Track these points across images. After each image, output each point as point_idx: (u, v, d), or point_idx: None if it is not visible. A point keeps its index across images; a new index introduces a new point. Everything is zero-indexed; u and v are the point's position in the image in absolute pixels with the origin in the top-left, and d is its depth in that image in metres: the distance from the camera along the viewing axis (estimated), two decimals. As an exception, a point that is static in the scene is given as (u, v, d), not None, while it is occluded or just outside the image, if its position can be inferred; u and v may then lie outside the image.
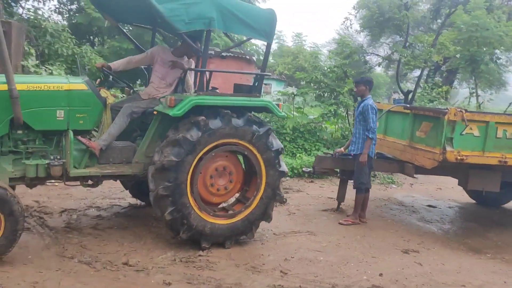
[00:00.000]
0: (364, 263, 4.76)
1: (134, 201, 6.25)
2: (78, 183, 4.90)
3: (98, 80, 5.44)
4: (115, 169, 4.85)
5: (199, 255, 4.56)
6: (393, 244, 5.43)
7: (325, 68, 11.22)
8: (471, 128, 5.76)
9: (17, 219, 3.99)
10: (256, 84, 5.40)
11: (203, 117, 4.58)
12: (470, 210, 7.71)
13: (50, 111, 4.54)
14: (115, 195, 6.66)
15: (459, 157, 5.69)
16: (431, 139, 5.91)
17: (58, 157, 4.59)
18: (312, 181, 8.95)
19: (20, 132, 4.49)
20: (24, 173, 4.46)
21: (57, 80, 4.77)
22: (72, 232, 4.94)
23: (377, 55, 14.89)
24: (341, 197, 6.69)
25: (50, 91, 4.55)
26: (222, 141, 4.73)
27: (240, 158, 5.15)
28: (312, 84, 11.27)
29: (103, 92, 4.95)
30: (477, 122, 5.79)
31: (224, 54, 10.87)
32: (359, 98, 6.38)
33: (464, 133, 5.74)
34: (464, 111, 5.69)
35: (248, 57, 11.23)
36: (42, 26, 11.02)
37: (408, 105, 7.04)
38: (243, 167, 5.20)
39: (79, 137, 4.68)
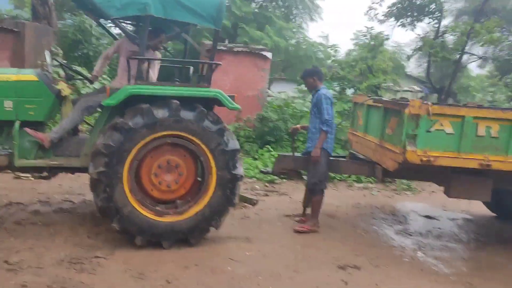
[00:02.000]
0: (274, 278, 4.12)
1: (89, 198, 6.12)
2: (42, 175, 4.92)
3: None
4: (63, 161, 4.75)
5: (96, 257, 4.24)
6: (335, 258, 4.68)
7: (352, 63, 10.35)
8: (441, 124, 4.81)
9: None
10: (204, 74, 5.05)
11: (147, 105, 4.33)
12: (478, 225, 6.54)
13: None
14: (80, 191, 6.58)
15: (424, 158, 4.77)
16: (395, 137, 5.04)
17: (7, 147, 4.59)
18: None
19: None
20: None
21: (5, 71, 4.81)
22: (-8, 225, 4.89)
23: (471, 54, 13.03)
24: (307, 202, 5.98)
25: None
26: (166, 132, 4.43)
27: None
28: (331, 81, 10.47)
29: (61, 84, 4.85)
30: (450, 117, 4.81)
31: (237, 49, 10.51)
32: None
33: (432, 130, 4.80)
34: (429, 104, 4.76)
35: (264, 53, 10.70)
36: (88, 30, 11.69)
37: (375, 97, 6.12)
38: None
39: (26, 128, 4.62)
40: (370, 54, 10.15)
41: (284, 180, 8.23)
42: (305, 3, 23.42)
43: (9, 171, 4.82)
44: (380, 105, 5.53)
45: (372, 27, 10.41)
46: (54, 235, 4.72)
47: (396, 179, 8.13)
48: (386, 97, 9.66)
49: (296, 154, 6.01)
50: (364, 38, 10.54)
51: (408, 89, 24.65)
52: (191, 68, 5.41)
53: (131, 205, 4.43)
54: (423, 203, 7.51)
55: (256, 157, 9.37)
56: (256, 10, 22.29)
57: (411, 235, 5.69)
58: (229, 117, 10.52)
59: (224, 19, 21.25)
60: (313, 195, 5.50)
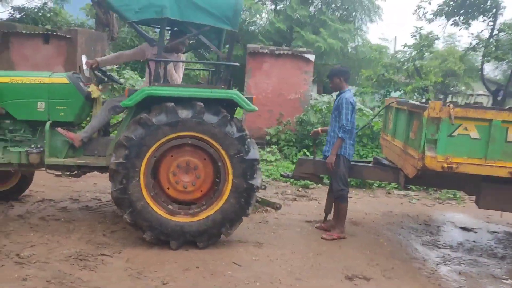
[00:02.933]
0: (272, 284, 3.98)
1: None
2: (72, 173, 5.09)
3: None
4: (91, 160, 4.95)
5: (102, 254, 4.36)
6: (346, 268, 4.45)
7: (398, 64, 9.89)
8: (466, 129, 4.44)
9: None
10: (221, 75, 5.06)
11: (172, 104, 4.42)
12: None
13: (31, 103, 4.87)
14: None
15: (446, 165, 4.42)
16: (416, 142, 4.71)
17: (39, 145, 4.88)
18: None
19: (8, 121, 4.92)
20: (10, 159, 4.86)
21: (40, 74, 5.08)
22: (18, 220, 5.17)
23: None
24: (328, 207, 5.76)
25: (32, 83, 4.89)
26: (187, 133, 4.48)
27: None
28: (376, 83, 10.06)
29: (91, 87, 5.08)
30: (475, 121, 4.42)
31: (279, 52, 10.41)
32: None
33: (455, 134, 4.44)
34: (451, 106, 4.40)
35: (306, 56, 10.52)
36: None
37: (401, 99, 5.74)
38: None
39: (58, 128, 4.89)
40: (418, 55, 9.62)
41: (320, 185, 8.01)
42: (364, 4, 22.85)
43: (42, 168, 5.07)
44: (405, 108, 5.21)
45: (421, 27, 9.88)
46: (72, 232, 4.91)
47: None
48: (460, 101, 9.17)
49: (317, 158, 5.80)
50: (413, 38, 10.02)
51: (482, 93, 23.16)
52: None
53: (144, 200, 4.50)
54: (465, 213, 6.97)
55: (295, 160, 9.21)
56: (312, 13, 22.12)
57: (438, 247, 5.29)
58: (270, 120, 10.51)
59: (280, 22, 21.21)
60: (340, 202, 5.29)
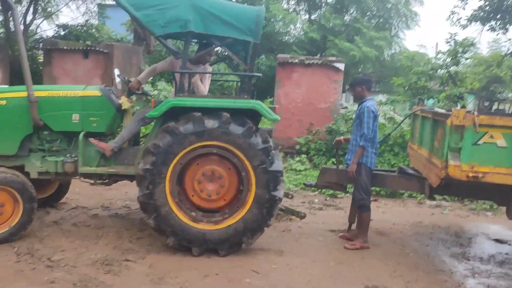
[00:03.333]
0: (290, 293, 4.00)
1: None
2: (104, 181, 5.36)
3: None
4: (122, 169, 5.17)
5: (126, 260, 4.51)
6: (367, 278, 4.39)
7: (430, 71, 9.69)
8: (492, 136, 4.31)
9: (32, 207, 4.81)
10: (244, 86, 5.18)
11: (199, 114, 4.58)
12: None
13: (66, 115, 5.14)
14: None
15: (471, 174, 4.31)
16: (440, 150, 4.62)
17: (74, 155, 5.15)
18: (375, 200, 7.86)
19: (45, 132, 5.20)
20: (48, 168, 5.15)
21: (74, 88, 5.37)
22: (52, 226, 5.42)
23: None
24: (352, 217, 5.70)
25: (67, 97, 5.17)
26: (213, 142, 4.61)
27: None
28: (409, 91, 9.89)
29: (122, 99, 5.32)
30: (502, 128, 4.29)
31: (308, 61, 10.42)
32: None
33: (480, 142, 4.33)
34: (475, 113, 4.30)
35: (336, 65, 10.48)
36: None
37: (425, 107, 5.61)
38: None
39: (91, 139, 5.14)
40: (452, 62, 9.40)
41: (348, 194, 7.92)
42: (400, 11, 22.51)
43: (77, 177, 5.32)
44: (429, 116, 5.12)
45: (456, 33, 9.65)
46: (100, 237, 5.11)
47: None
48: (508, 109, 8.90)
49: (341, 167, 5.76)
50: (447, 44, 9.80)
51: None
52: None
53: (169, 206, 4.64)
54: (501, 225, 6.70)
55: (324, 170, 9.15)
56: (347, 22, 21.99)
57: (468, 260, 5.12)
58: (300, 130, 10.51)
59: (313, 32, 21.22)
60: (361, 211, 5.24)
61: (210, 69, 5.96)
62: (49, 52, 10.80)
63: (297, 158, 9.61)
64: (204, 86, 5.45)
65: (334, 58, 10.87)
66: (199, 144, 4.61)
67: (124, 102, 5.27)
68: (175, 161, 4.62)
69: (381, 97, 10.34)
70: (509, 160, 4.28)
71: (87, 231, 5.32)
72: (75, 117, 5.13)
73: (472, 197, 5.89)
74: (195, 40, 5.96)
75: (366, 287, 4.20)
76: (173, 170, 4.65)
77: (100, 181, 5.37)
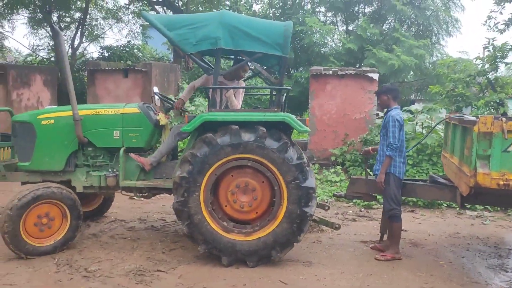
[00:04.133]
0: (315, 304, 4.01)
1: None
2: (144, 194, 5.57)
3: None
4: (159, 183, 5.39)
5: (158, 270, 4.67)
6: (396, 289, 4.34)
7: (467, 78, 9.43)
8: (522, 143, 4.18)
9: (78, 224, 5.14)
10: (274, 99, 5.31)
11: (236, 127, 4.74)
12: None
13: (108, 131, 5.45)
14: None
15: (502, 182, 4.19)
16: (469, 158, 4.51)
17: (115, 170, 5.43)
18: (412, 211, 7.71)
19: (90, 149, 5.54)
20: (92, 183, 5.48)
21: (115, 106, 5.67)
22: (91, 238, 5.69)
23: None
24: (384, 227, 5.63)
25: (109, 114, 5.49)
26: (248, 155, 4.74)
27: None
28: (447, 99, 9.66)
29: (160, 115, 5.58)
30: (532, 134, 4.16)
31: (341, 72, 10.39)
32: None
33: (511, 149, 4.21)
34: (504, 120, 4.19)
35: (370, 75, 10.40)
36: None
37: (455, 115, 5.46)
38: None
39: (131, 154, 5.42)
40: (491, 67, 9.11)
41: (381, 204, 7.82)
42: (440, 18, 22.04)
43: (118, 191, 5.61)
44: (458, 123, 5.02)
45: (494, 38, 9.35)
46: (135, 249, 5.31)
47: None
48: None
49: (370, 177, 5.72)
50: (486, 50, 9.51)
51: None
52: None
53: (202, 214, 4.79)
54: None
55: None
56: (385, 31, 21.75)
57: (506, 271, 4.93)
58: (336, 141, 10.48)
59: (350, 43, 21.10)
60: (392, 221, 5.19)
61: (243, 84, 6.11)
62: (93, 73, 11.37)
63: (332, 170, 9.57)
64: (238, 101, 5.62)
65: (368, 68, 10.80)
66: (234, 156, 4.74)
67: (162, 118, 5.50)
68: (210, 171, 4.77)
69: (417, 106, 10.07)
70: (541, 166, 4.12)
71: (123, 242, 5.55)
72: (116, 133, 5.40)
73: (505, 206, 5.66)
74: (232, 57, 6.17)
75: (394, 298, 4.15)
76: (208, 179, 4.80)
77: (140, 195, 5.59)
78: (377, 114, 11.07)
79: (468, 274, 4.82)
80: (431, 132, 7.34)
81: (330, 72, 10.52)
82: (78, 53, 18.51)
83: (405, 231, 6.39)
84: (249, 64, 5.49)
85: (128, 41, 17.73)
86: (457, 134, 5.24)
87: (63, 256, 4.94)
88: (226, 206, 4.96)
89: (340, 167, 9.66)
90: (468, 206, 7.66)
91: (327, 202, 7.75)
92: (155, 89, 6.19)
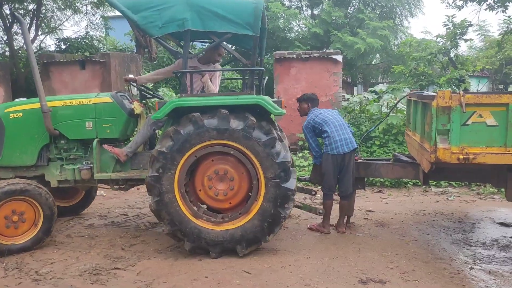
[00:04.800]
0: (279, 292, 3.87)
1: (144, 212, 6.49)
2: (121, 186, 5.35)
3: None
4: (136, 174, 5.15)
5: (115, 268, 4.43)
6: (362, 271, 4.24)
7: (428, 56, 9.42)
8: (480, 116, 4.13)
9: (52, 218, 4.93)
10: (247, 81, 5.09)
11: (226, 111, 4.50)
12: None
13: (80, 123, 5.19)
14: (141, 205, 7.00)
15: (461, 156, 4.13)
16: (429, 133, 4.44)
17: (90, 162, 5.17)
18: (380, 191, 7.69)
19: (63, 141, 5.26)
20: (66, 177, 5.22)
21: (86, 96, 5.40)
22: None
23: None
24: (350, 209, 5.56)
25: (80, 105, 5.21)
26: (215, 141, 4.53)
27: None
28: (410, 78, 9.66)
29: (134, 104, 5.27)
30: (490, 107, 4.10)
31: (305, 56, 10.26)
32: None
33: (469, 123, 4.15)
34: (461, 93, 4.12)
35: (334, 57, 10.30)
36: None
37: (413, 92, 5.42)
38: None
39: (104, 145, 5.15)
40: (451, 45, 9.13)
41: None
42: (403, -1, 22.19)
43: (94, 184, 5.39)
44: (418, 99, 4.95)
45: (453, 15, 9.36)
46: (92, 247, 5.05)
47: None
48: None
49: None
50: (445, 28, 9.52)
51: None
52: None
53: (173, 194, 4.55)
54: (509, 208, 6.47)
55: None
56: (350, 14, 21.76)
57: (470, 246, 4.93)
58: (302, 125, 10.34)
59: (316, 27, 21.01)
60: (323, 199, 5.41)
61: (219, 68, 5.82)
62: (47, 65, 10.87)
63: (300, 154, 9.47)
64: (214, 85, 5.37)
65: (331, 50, 10.70)
66: (219, 141, 4.53)
67: (136, 107, 5.24)
68: (191, 151, 4.55)
69: (382, 86, 10.05)
70: (500, 138, 4.08)
71: (80, 241, 5.28)
72: (89, 124, 5.18)
73: (467, 181, 5.69)
74: (207, 41, 5.91)
75: (360, 280, 4.06)
76: (187, 160, 4.58)
77: (117, 187, 5.36)
78: (343, 96, 11.02)
79: (433, 251, 4.79)
80: (392, 111, 7.29)
81: (294, 55, 10.37)
82: (33, 47, 17.73)
83: (372, 211, 6.37)
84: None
85: (87, 32, 17.07)
86: (418, 111, 5.18)
87: (12, 260, 4.65)
88: (200, 190, 4.77)
89: (308, 151, 9.55)
90: (433, 183, 7.71)
91: (314, 188, 7.62)
92: (131, 77, 5.95)
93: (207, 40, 5.95)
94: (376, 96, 9.71)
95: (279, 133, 4.83)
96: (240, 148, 4.54)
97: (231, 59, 6.75)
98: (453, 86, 8.93)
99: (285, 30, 21.77)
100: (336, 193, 5.49)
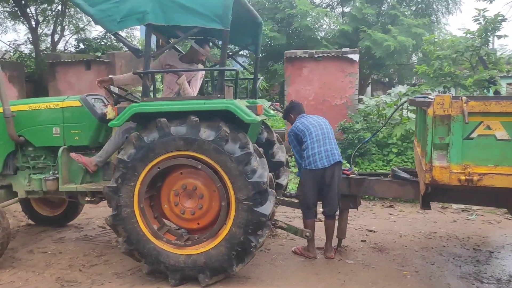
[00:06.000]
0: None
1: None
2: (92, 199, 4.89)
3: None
4: (102, 186, 4.53)
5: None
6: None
7: (453, 56, 8.43)
8: (488, 127, 3.32)
9: (6, 234, 4.46)
10: (215, 83, 4.52)
11: (196, 118, 3.92)
12: None
13: (46, 128, 4.79)
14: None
15: (464, 177, 3.33)
16: (424, 148, 3.65)
17: (57, 172, 4.74)
18: (391, 206, 6.87)
19: (30, 149, 4.89)
20: (34, 187, 4.83)
21: (54, 99, 5.01)
22: (7, 254, 4.93)
23: None
24: (341, 232, 4.82)
25: (46, 109, 4.81)
26: (181, 152, 3.94)
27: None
28: (434, 79, 8.71)
29: (108, 108, 4.77)
30: (501, 116, 3.28)
31: (319, 55, 9.48)
32: None
33: (474, 136, 3.34)
34: (464, 99, 3.32)
35: (350, 56, 9.48)
36: None
37: (413, 97, 4.59)
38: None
39: (71, 153, 4.71)
40: (481, 42, 8.13)
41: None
42: (441, -5, 20.90)
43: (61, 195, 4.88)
44: (414, 105, 4.16)
45: (485, 9, 8.35)
46: (49, 266, 4.61)
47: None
48: None
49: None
50: (476, 23, 8.51)
51: None
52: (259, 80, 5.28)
53: (132, 209, 4.03)
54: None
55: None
56: (383, 10, 20.69)
57: (481, 282, 4.08)
58: (315, 130, 9.59)
59: (345, 24, 20.17)
60: (304, 218, 4.71)
61: (201, 67, 5.24)
62: (53, 66, 10.63)
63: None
64: (194, 88, 4.83)
65: (348, 49, 9.88)
66: (186, 153, 3.93)
67: (109, 111, 4.70)
68: (154, 162, 3.97)
69: (401, 88, 9.17)
70: (514, 156, 3.26)
71: (40, 258, 4.82)
72: (56, 130, 4.77)
73: (476, 204, 4.81)
74: (193, 38, 5.34)
75: (333, 326, 3.34)
76: (149, 171, 4.01)
77: (87, 199, 4.89)
78: (360, 99, 10.19)
79: (434, 286, 3.98)
80: (390, 119, 6.50)
81: (307, 55, 9.62)
82: (59, 48, 17.79)
83: (374, 232, 5.59)
84: (210, 43, 4.83)
85: (106, 33, 16.91)
86: (421, 120, 4.38)
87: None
88: (166, 206, 4.22)
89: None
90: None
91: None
92: (105, 78, 5.46)
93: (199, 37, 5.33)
94: (395, 99, 8.83)
95: (256, 147, 4.15)
96: (210, 163, 3.91)
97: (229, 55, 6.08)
98: (482, 89, 7.96)
99: (313, 29, 20.98)
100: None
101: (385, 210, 6.67)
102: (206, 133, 3.89)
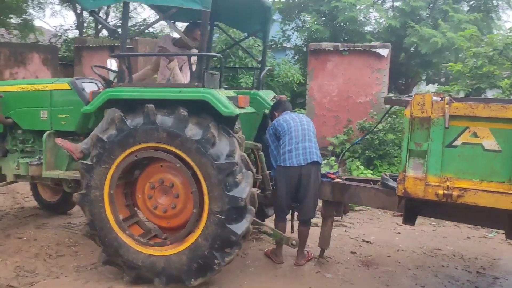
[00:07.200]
0: None
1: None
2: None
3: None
4: None
5: (8, 286, 3.76)
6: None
7: (489, 53, 7.60)
8: (475, 134, 2.77)
9: None
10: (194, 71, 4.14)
11: (152, 105, 3.64)
12: None
13: (34, 111, 4.67)
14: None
15: (442, 192, 2.81)
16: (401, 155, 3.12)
17: (42, 157, 4.62)
18: (400, 214, 6.26)
19: (19, 131, 4.81)
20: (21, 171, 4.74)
21: (44, 81, 4.87)
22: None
23: None
24: (323, 241, 4.35)
25: (35, 91, 4.70)
26: (162, 145, 3.64)
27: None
28: (469, 79, 7.93)
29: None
30: (491, 122, 2.72)
31: (344, 49, 8.87)
32: None
33: (457, 143, 2.81)
34: (449, 99, 2.78)
35: (378, 51, 8.80)
36: None
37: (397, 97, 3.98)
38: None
39: (56, 139, 4.54)
40: (525, 38, 7.27)
41: (369, 209, 6.47)
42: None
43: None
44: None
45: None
46: (16, 254, 4.50)
47: None
48: None
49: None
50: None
51: None
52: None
53: (101, 192, 3.78)
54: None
55: (355, 175, 7.67)
56: (437, 4, 19.49)
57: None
58: (337, 128, 9.06)
59: (392, 19, 19.19)
60: (275, 220, 4.36)
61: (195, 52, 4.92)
62: (79, 50, 10.71)
63: (324, 161, 8.20)
64: (185, 74, 4.57)
65: (377, 43, 9.22)
66: (168, 147, 3.63)
67: None
68: (132, 149, 3.70)
69: (430, 87, 8.44)
70: (504, 170, 2.70)
71: (11, 245, 4.71)
72: (43, 113, 4.61)
73: (471, 223, 4.17)
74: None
75: None
76: (126, 158, 3.74)
77: (70, 187, 4.65)
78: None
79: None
80: (380, 122, 5.89)
81: (331, 48, 9.06)
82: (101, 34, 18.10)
83: (370, 243, 5.07)
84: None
85: (144, 20, 17.02)
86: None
87: None
88: (139, 196, 3.97)
89: (334, 158, 8.26)
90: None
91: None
92: (110, 62, 5.34)
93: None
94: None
95: (245, 157, 3.81)
96: (190, 163, 3.58)
97: (231, 44, 5.75)
98: (520, 90, 7.12)
99: (359, 23, 20.12)
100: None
101: (394, 219, 6.08)
102: (192, 131, 3.55)
